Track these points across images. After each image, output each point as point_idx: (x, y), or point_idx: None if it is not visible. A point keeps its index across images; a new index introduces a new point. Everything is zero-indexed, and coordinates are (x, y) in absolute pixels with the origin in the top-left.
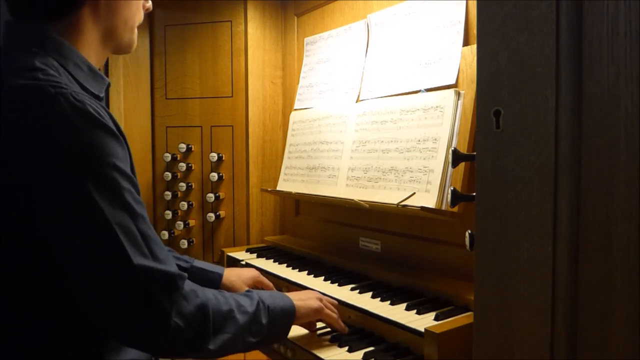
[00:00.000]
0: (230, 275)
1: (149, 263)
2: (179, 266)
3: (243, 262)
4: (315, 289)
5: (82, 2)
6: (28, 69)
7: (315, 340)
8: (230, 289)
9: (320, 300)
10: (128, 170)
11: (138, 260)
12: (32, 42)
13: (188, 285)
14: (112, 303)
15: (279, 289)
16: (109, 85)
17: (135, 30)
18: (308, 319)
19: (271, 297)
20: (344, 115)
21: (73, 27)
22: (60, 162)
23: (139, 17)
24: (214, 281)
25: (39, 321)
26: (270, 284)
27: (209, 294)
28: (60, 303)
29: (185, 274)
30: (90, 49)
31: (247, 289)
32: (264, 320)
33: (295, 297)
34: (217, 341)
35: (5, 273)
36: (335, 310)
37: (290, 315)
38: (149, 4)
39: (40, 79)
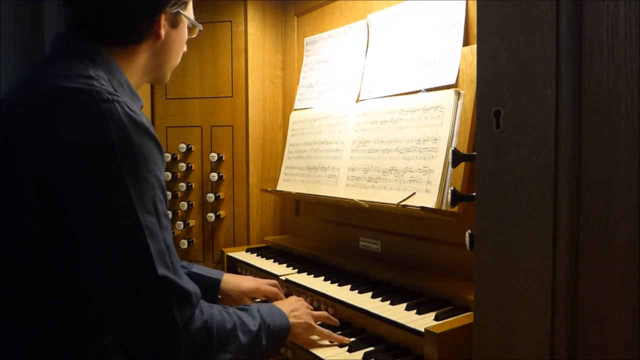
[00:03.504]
0: (229, 282)
1: (171, 275)
2: None
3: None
4: (316, 289)
5: (142, 39)
6: (82, 76)
7: (315, 340)
8: (227, 296)
9: (312, 315)
10: (163, 183)
11: (161, 270)
12: (84, 54)
13: None
14: (125, 307)
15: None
16: (141, 107)
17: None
18: (300, 337)
19: (270, 314)
20: (344, 115)
21: (126, 54)
22: (103, 157)
23: (179, 59)
24: (211, 287)
25: (39, 321)
26: (274, 291)
27: (214, 311)
28: (62, 303)
29: (200, 293)
30: (133, 75)
31: (246, 301)
32: (264, 341)
33: (288, 310)
34: None
35: (8, 271)
36: (327, 327)
37: (286, 333)
38: (185, 48)
39: (95, 86)
